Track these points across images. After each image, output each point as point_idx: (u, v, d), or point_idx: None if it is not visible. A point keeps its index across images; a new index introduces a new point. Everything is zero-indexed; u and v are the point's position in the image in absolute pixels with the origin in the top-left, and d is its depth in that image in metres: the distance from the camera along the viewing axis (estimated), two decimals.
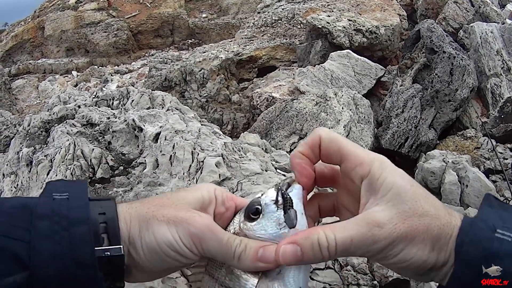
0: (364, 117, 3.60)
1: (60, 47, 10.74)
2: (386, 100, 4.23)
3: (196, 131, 1.79)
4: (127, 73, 7.78)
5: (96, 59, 9.98)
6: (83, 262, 0.51)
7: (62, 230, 0.51)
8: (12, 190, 2.35)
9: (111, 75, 7.47)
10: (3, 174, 2.47)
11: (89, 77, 7.89)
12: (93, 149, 2.14)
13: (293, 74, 4.14)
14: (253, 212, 0.59)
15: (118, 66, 8.97)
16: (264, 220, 0.59)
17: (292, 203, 0.58)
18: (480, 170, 3.74)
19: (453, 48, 4.42)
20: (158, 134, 1.92)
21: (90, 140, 2.39)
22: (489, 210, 0.56)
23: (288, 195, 0.59)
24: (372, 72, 4.48)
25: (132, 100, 2.58)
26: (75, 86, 7.44)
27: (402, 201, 0.54)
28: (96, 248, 0.52)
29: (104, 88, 3.21)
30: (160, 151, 1.78)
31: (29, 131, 2.67)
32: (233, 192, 1.54)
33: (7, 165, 2.50)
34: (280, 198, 0.59)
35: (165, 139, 1.82)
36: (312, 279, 1.35)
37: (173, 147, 1.77)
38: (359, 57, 4.52)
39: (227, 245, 0.57)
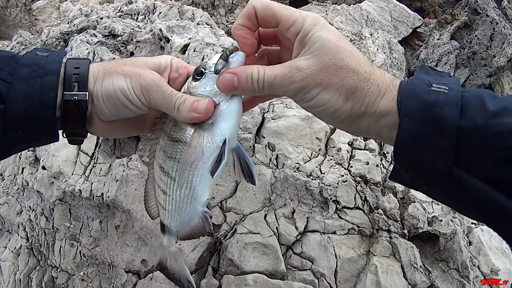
0: (397, 63, 3.41)
1: None
2: (421, 51, 4.02)
3: (229, 45, 1.65)
4: None
5: None
6: (46, 104, 0.62)
7: (37, 77, 0.62)
8: None
9: None
10: None
11: None
12: (113, 58, 2.02)
13: (326, 11, 3.91)
14: (198, 73, 0.67)
15: None
16: (205, 80, 0.66)
17: (227, 58, 0.64)
18: None
19: (497, 14, 4.16)
20: (186, 46, 1.78)
21: (111, 50, 2.26)
22: (423, 75, 0.59)
23: (227, 58, 0.64)
24: (410, 21, 4.21)
25: (160, 12, 2.42)
26: None
27: (325, 52, 0.58)
28: (65, 93, 0.64)
29: (129, 3, 3.05)
30: (188, 63, 1.65)
31: (46, 42, 2.54)
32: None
33: None
34: (220, 61, 0.64)
35: (194, 51, 1.69)
36: (340, 217, 1.28)
37: (202, 60, 1.64)
38: (398, 3, 4.24)
39: (169, 97, 0.66)
